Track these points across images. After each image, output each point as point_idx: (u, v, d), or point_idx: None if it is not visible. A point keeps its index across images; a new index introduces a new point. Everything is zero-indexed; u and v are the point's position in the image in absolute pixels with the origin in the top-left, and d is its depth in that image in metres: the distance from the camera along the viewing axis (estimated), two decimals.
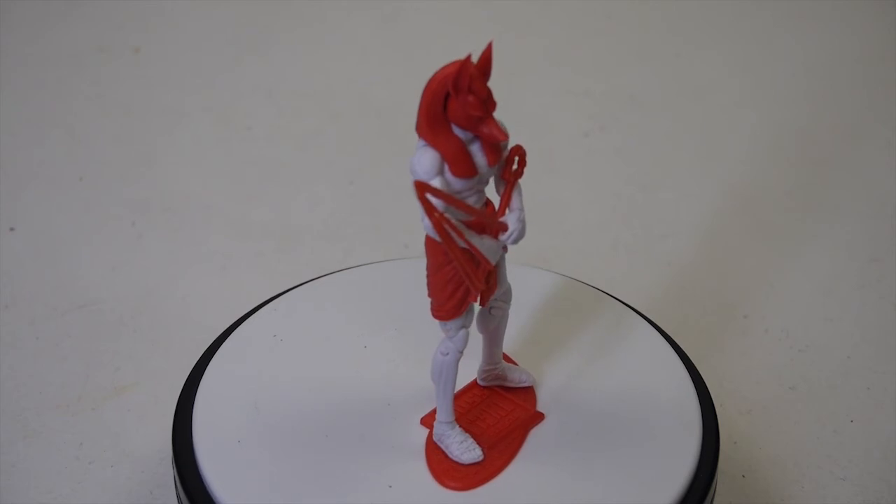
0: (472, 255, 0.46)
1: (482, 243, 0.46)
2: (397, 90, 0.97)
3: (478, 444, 0.50)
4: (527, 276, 0.60)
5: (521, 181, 0.47)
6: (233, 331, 0.57)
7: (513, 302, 0.50)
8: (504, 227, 0.46)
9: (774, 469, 0.63)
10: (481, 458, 0.49)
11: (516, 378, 0.53)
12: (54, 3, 1.09)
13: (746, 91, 1.01)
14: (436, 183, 0.44)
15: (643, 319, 0.59)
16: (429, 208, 0.44)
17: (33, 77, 0.99)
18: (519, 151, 0.47)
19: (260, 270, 0.78)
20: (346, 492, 0.48)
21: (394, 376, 0.54)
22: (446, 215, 0.44)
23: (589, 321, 0.58)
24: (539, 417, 0.52)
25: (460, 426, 0.50)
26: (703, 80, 1.02)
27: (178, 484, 0.50)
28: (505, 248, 0.49)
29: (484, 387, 0.53)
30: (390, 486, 0.49)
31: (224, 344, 0.56)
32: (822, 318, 0.75)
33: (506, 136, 0.44)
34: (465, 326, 0.48)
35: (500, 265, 0.49)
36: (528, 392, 0.53)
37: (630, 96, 0.99)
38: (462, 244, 0.45)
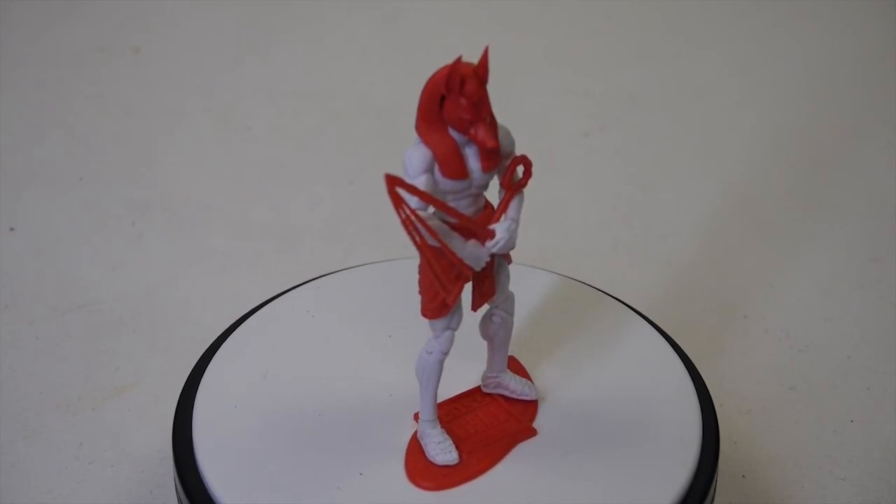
0: (453, 254, 0.46)
1: (465, 248, 0.46)
2: (397, 90, 0.97)
3: (458, 447, 0.50)
4: (527, 276, 0.60)
5: (525, 191, 0.47)
6: (233, 331, 0.57)
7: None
8: (491, 235, 0.46)
9: (774, 469, 0.63)
10: (456, 461, 0.49)
11: (518, 390, 0.52)
12: (54, 3, 1.09)
13: (746, 91, 1.01)
14: (421, 180, 0.45)
15: (643, 319, 0.58)
16: (397, 202, 0.43)
17: (33, 77, 1.00)
18: (524, 162, 0.47)
19: (260, 270, 0.78)
20: (323, 478, 0.49)
21: (393, 375, 0.54)
22: (419, 213, 0.44)
23: (589, 321, 0.58)
24: (530, 432, 0.51)
25: (448, 427, 0.50)
26: (703, 80, 1.02)
27: (178, 484, 0.50)
28: (508, 258, 0.49)
29: (486, 393, 0.53)
30: (361, 474, 0.49)
31: (224, 344, 0.56)
32: (822, 318, 0.75)
33: (494, 143, 0.44)
34: (451, 328, 0.48)
35: (498, 273, 0.49)
36: (529, 406, 0.52)
37: (630, 96, 0.99)
38: (433, 243, 0.45)
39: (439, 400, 0.52)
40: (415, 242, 0.44)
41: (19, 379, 0.68)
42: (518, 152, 0.47)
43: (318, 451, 0.50)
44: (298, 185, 0.88)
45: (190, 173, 0.88)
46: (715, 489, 0.51)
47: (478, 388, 0.53)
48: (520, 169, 0.47)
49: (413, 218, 0.44)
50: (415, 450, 0.50)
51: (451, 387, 0.53)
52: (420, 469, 0.49)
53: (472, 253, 0.46)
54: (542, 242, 0.80)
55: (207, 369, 0.55)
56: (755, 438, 0.65)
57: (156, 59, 1.03)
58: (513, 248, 0.47)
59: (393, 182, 0.43)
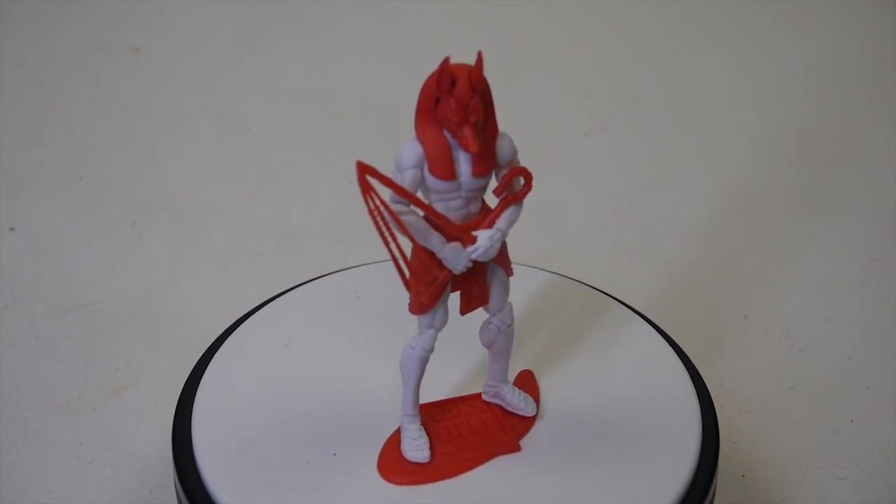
0: (428, 256, 0.46)
1: (443, 248, 0.46)
2: (397, 90, 0.97)
3: (436, 447, 0.50)
4: (527, 276, 0.60)
5: (524, 203, 0.47)
6: (233, 331, 0.57)
7: (511, 302, 0.50)
8: (472, 240, 0.46)
9: (774, 469, 0.63)
10: (426, 460, 0.49)
11: (514, 403, 0.52)
12: (54, 3, 1.09)
13: (746, 91, 1.01)
14: (408, 174, 0.45)
15: (643, 320, 0.58)
16: (366, 189, 0.44)
17: (33, 77, 1.00)
18: (523, 173, 0.46)
19: (260, 270, 0.78)
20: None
21: (393, 374, 0.54)
22: (399, 207, 0.44)
23: (588, 321, 0.58)
24: (513, 448, 0.50)
25: (433, 426, 0.50)
26: (703, 80, 1.02)
27: (178, 484, 0.50)
28: (508, 270, 0.49)
29: (485, 401, 0.52)
30: (335, 455, 0.50)
31: (224, 344, 0.57)
32: (822, 318, 0.75)
33: (476, 147, 0.44)
34: (434, 327, 0.48)
35: (492, 281, 0.49)
36: (524, 421, 0.52)
37: (630, 96, 0.99)
38: (397, 233, 0.45)
39: (439, 398, 0.52)
40: (381, 234, 0.44)
41: (19, 379, 0.68)
42: (519, 152, 0.47)
43: (317, 450, 0.50)
44: (298, 185, 0.88)
45: (190, 173, 0.88)
46: (715, 489, 0.51)
47: (479, 394, 0.53)
48: (522, 179, 0.47)
49: (382, 208, 0.44)
50: (393, 443, 0.50)
51: (456, 388, 0.53)
52: (390, 462, 0.49)
53: (451, 255, 0.46)
54: (542, 242, 0.80)
55: (207, 369, 0.55)
56: (755, 438, 0.65)
57: (156, 59, 1.03)
58: (492, 257, 0.47)
59: (364, 170, 0.44)
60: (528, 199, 0.47)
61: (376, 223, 0.44)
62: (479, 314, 0.50)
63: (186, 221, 0.83)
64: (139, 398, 0.67)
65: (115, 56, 1.03)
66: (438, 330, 0.48)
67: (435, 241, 0.46)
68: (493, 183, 0.47)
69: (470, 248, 0.46)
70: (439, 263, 0.46)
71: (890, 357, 0.71)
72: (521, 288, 0.58)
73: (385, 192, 0.45)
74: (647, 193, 0.87)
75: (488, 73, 0.45)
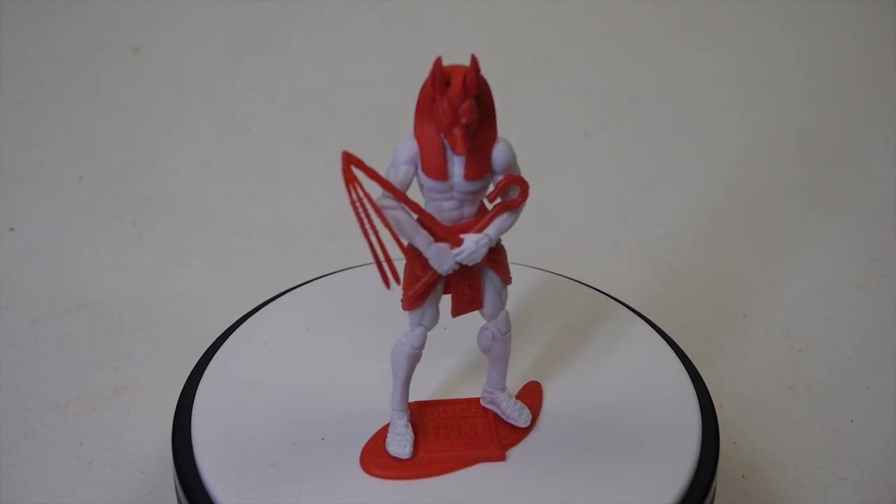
0: (412, 254, 0.46)
1: (428, 247, 0.46)
2: (397, 90, 0.97)
3: (421, 446, 0.50)
4: (526, 276, 0.60)
5: (522, 211, 0.47)
6: (233, 331, 0.57)
7: (511, 302, 0.50)
8: (458, 242, 0.46)
9: (774, 469, 0.63)
10: (406, 456, 0.49)
11: (508, 412, 0.51)
12: (54, 3, 1.09)
13: (747, 91, 1.01)
14: (402, 170, 0.45)
15: (643, 320, 0.58)
16: (349, 179, 0.44)
17: (33, 77, 1.00)
18: (519, 182, 0.46)
19: (260, 270, 0.78)
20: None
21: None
22: (382, 201, 0.45)
23: (588, 322, 0.58)
24: (498, 456, 0.50)
25: (424, 424, 0.50)
26: (703, 80, 1.02)
27: (178, 484, 0.50)
28: (507, 278, 0.48)
29: (483, 406, 0.52)
30: (323, 439, 0.50)
31: (224, 344, 0.57)
32: (822, 318, 0.75)
33: (462, 150, 0.44)
34: (423, 325, 0.48)
35: (485, 286, 0.48)
36: (516, 431, 0.51)
37: (630, 96, 0.99)
38: (376, 227, 0.45)
39: (441, 397, 0.52)
40: (361, 226, 0.44)
41: (19, 379, 0.68)
42: (518, 153, 0.47)
43: (319, 451, 0.50)
44: (298, 185, 0.88)
45: (190, 173, 0.89)
46: (715, 489, 0.51)
47: (478, 399, 0.53)
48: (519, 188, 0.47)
49: (365, 200, 0.44)
50: (380, 437, 0.50)
51: (457, 389, 0.53)
52: (371, 452, 0.50)
53: (436, 255, 0.46)
54: (542, 242, 0.80)
55: (207, 369, 0.55)
56: (755, 438, 0.65)
57: (156, 59, 1.03)
58: (476, 261, 0.46)
59: (349, 160, 0.44)
60: (529, 200, 0.47)
61: (357, 215, 0.44)
62: (481, 318, 0.50)
63: (186, 221, 0.83)
64: (139, 398, 0.67)
65: (115, 56, 1.03)
66: (428, 328, 0.48)
67: (421, 239, 0.46)
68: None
69: (455, 251, 0.46)
70: (423, 262, 0.46)
71: (890, 357, 0.71)
72: (521, 288, 0.58)
73: (375, 186, 0.45)
74: (647, 193, 0.87)
75: (489, 74, 0.45)
